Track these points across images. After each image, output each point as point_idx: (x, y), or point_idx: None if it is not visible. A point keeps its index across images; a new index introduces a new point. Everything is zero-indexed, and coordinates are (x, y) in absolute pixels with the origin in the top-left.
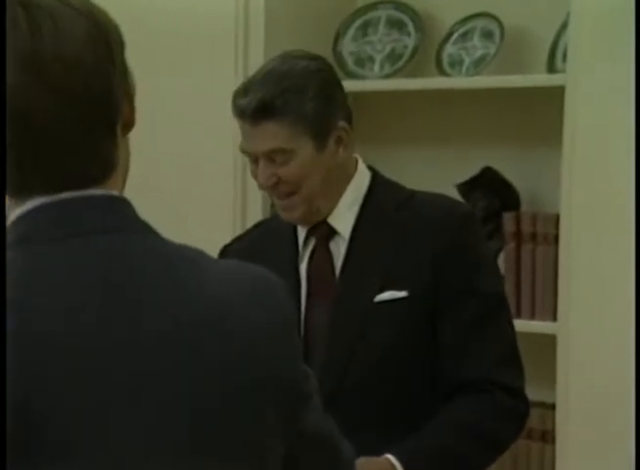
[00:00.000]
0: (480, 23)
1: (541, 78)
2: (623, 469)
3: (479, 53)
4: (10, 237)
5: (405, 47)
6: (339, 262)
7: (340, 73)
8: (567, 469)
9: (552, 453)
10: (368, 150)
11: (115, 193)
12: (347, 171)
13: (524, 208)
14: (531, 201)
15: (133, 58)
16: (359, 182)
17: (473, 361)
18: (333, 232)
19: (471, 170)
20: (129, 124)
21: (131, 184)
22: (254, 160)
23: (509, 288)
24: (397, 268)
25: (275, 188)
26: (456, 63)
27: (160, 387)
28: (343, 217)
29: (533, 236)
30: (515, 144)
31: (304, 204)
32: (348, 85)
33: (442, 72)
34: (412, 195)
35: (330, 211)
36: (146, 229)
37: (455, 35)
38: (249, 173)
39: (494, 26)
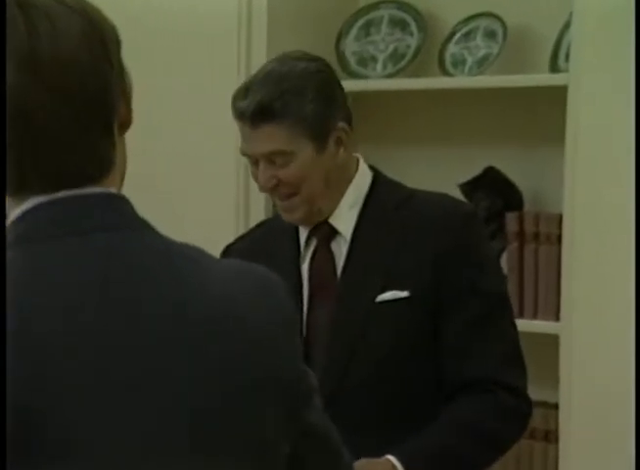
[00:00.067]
0: (482, 23)
1: (544, 78)
2: (626, 468)
3: (481, 53)
4: (10, 237)
5: (408, 47)
6: (340, 263)
7: (342, 73)
8: (570, 469)
9: (555, 453)
10: (370, 150)
11: (113, 191)
12: (348, 172)
13: (526, 207)
14: (534, 201)
15: (136, 58)
16: (360, 182)
17: (475, 361)
18: (334, 232)
19: (473, 170)
20: (126, 124)
21: (135, 185)
22: (255, 162)
23: (511, 288)
24: (399, 268)
25: (275, 190)
26: (459, 62)
27: (159, 386)
28: (345, 218)
29: (536, 236)
30: (517, 144)
31: (305, 205)
32: (351, 85)
33: (445, 72)
34: (412, 194)
35: (331, 212)
36: (144, 226)
37: (458, 35)
38: None
39: (497, 26)
